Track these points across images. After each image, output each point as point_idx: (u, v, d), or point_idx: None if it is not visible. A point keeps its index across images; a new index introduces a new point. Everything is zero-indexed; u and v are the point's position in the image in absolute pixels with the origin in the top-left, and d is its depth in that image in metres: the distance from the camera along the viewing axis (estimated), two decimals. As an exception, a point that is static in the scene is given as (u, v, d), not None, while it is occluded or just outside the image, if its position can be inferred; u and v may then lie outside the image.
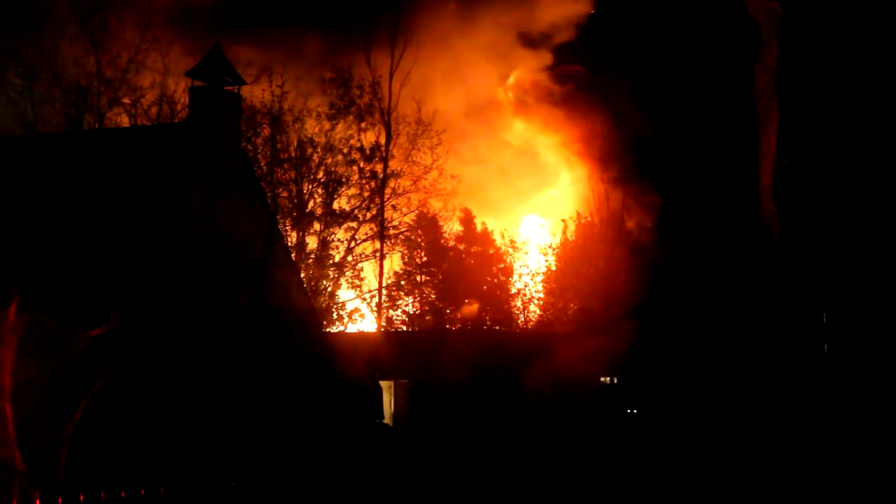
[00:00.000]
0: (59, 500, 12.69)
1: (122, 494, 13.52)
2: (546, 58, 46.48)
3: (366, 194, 36.56)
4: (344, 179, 36.54)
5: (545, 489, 22.15)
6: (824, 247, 37.89)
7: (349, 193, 36.58)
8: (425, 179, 38.04)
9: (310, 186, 36.09)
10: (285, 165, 34.94)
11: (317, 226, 36.54)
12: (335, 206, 36.40)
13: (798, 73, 40.84)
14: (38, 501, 13.06)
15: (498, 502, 21.00)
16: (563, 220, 42.12)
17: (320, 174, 36.16)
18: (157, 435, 18.79)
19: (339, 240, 36.71)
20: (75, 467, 14.98)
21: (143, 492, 14.05)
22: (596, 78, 44.26)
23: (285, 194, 35.27)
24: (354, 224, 36.55)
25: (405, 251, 39.39)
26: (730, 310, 36.50)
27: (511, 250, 41.30)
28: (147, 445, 18.37)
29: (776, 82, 41.17)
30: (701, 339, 35.31)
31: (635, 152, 42.29)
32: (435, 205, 39.25)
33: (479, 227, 41.40)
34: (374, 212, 36.54)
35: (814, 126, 39.53)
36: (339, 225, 36.41)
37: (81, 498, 12.85)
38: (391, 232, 37.33)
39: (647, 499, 21.29)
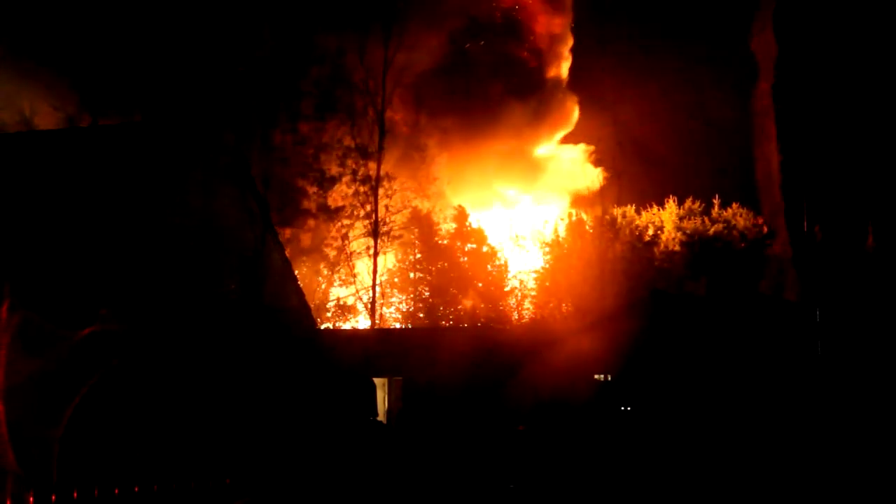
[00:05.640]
0: (53, 498, 12.69)
1: (116, 492, 13.51)
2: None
3: (360, 192, 36.54)
4: (337, 176, 36.55)
5: (539, 487, 22.18)
6: (818, 246, 37.96)
7: (343, 192, 36.62)
8: (417, 179, 38.19)
9: (303, 183, 36.11)
10: (280, 163, 34.94)
11: (311, 223, 36.58)
12: (329, 203, 36.43)
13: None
14: (31, 500, 13.02)
15: (492, 499, 21.02)
16: (563, 218, 42.26)
17: (314, 172, 36.20)
18: (151, 432, 18.75)
19: (332, 237, 36.76)
20: (69, 466, 14.94)
21: (136, 489, 14.05)
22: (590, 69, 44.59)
23: (279, 190, 35.30)
24: (348, 222, 36.56)
25: (399, 249, 39.47)
26: (725, 307, 36.54)
27: (503, 247, 41.42)
28: (141, 443, 18.32)
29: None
30: (696, 337, 35.30)
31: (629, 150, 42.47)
32: (426, 205, 39.37)
33: (473, 225, 41.48)
34: (368, 209, 36.55)
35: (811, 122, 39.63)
36: (333, 222, 36.42)
37: (75, 495, 12.85)
38: (384, 229, 37.32)
39: (642, 496, 21.32)
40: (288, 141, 35.60)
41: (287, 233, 35.89)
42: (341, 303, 37.77)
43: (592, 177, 44.53)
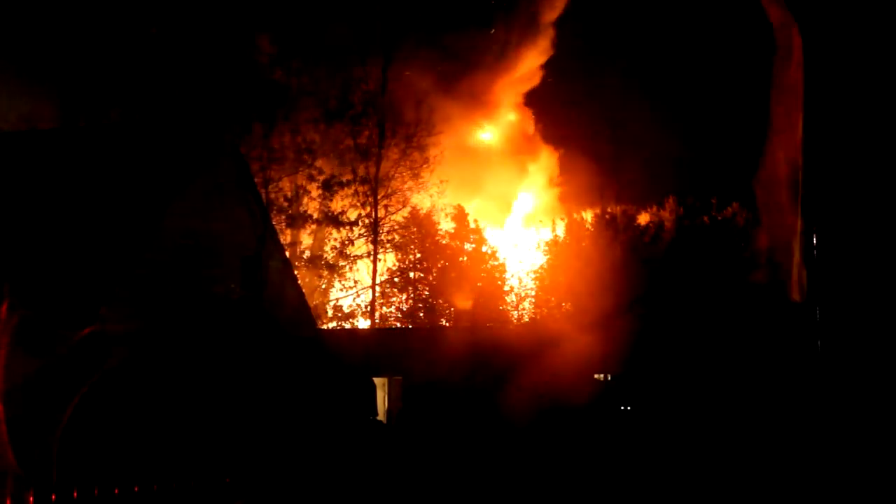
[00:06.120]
0: (53, 498, 12.72)
1: (116, 491, 13.54)
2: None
3: (360, 193, 36.54)
4: (337, 177, 36.54)
5: (539, 486, 22.18)
6: (818, 241, 37.89)
7: (343, 192, 36.61)
8: (417, 179, 38.22)
9: (304, 185, 36.11)
10: (279, 164, 34.93)
11: (310, 224, 36.59)
12: (329, 204, 36.42)
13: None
14: (31, 500, 13.05)
15: (491, 499, 21.03)
16: (563, 217, 42.27)
17: (314, 173, 36.20)
18: (151, 432, 18.77)
19: (333, 238, 36.78)
20: (69, 466, 14.97)
21: (136, 489, 14.07)
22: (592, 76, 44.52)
23: (279, 192, 35.31)
24: (348, 227, 36.59)
25: (398, 250, 39.45)
26: (725, 306, 36.51)
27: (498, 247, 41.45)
28: (140, 442, 18.35)
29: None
30: (696, 336, 35.29)
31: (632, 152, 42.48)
32: (425, 204, 39.40)
33: (471, 224, 41.47)
34: (368, 209, 36.57)
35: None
36: (333, 223, 36.44)
37: (75, 495, 12.87)
38: (384, 237, 37.33)
39: (642, 496, 21.33)
40: (287, 142, 35.57)
41: (287, 234, 35.90)
42: (339, 304, 37.78)
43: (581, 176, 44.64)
